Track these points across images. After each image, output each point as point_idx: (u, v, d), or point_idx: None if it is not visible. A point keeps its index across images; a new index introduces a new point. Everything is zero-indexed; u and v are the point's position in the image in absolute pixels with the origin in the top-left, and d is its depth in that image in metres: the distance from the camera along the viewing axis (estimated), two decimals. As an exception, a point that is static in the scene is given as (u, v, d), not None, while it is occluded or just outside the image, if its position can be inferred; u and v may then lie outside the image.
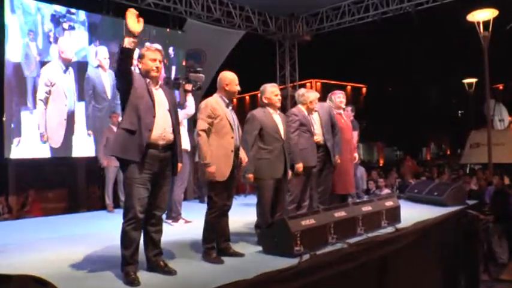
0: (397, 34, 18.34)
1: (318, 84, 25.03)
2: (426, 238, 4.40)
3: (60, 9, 7.62)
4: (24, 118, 7.07)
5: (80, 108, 7.75)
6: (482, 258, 5.87)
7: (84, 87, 7.79)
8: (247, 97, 28.79)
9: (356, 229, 3.91)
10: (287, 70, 11.87)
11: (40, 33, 7.33)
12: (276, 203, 3.83)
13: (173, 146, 3.01)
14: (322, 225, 3.54)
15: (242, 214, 4.62)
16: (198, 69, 5.07)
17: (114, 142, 2.97)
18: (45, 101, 7.26)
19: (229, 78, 3.44)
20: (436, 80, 25.26)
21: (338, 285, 3.27)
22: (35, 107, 7.16)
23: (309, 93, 4.50)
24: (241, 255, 3.36)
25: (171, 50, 9.01)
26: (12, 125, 6.98)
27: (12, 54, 7.02)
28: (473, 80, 16.35)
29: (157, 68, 2.99)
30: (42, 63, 7.32)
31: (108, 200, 6.14)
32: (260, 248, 3.50)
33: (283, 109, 4.28)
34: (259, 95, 4.00)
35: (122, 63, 2.79)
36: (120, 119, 2.92)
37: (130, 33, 2.73)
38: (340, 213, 3.81)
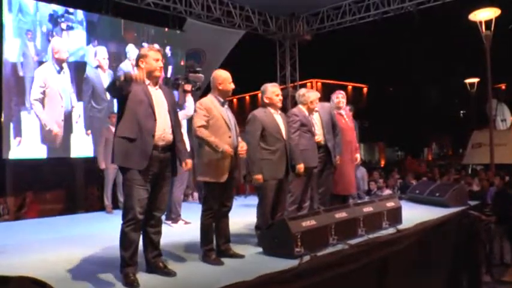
0: (398, 34, 18.34)
1: (319, 84, 25.03)
2: (427, 239, 4.39)
3: (58, 9, 7.62)
4: (22, 118, 7.07)
5: (78, 109, 7.74)
6: (484, 259, 5.87)
7: (83, 88, 7.79)
8: (247, 97, 28.79)
9: (357, 230, 3.91)
10: (287, 70, 11.87)
11: (38, 33, 7.34)
12: (277, 204, 3.83)
13: (172, 147, 3.01)
14: (322, 226, 3.54)
15: (242, 215, 4.62)
16: (198, 69, 5.07)
17: (115, 151, 2.94)
18: (41, 102, 7.25)
19: (222, 77, 3.44)
20: (437, 79, 25.26)
21: (339, 287, 3.27)
22: (32, 108, 7.16)
23: (309, 93, 4.50)
24: (241, 256, 3.36)
25: (168, 49, 9.01)
26: (11, 125, 6.98)
27: (10, 53, 7.03)
28: (475, 80, 16.35)
29: (160, 68, 3.01)
30: (40, 63, 7.33)
31: (107, 201, 6.14)
32: (260, 249, 3.50)
33: (284, 109, 4.27)
34: (259, 95, 4.00)
35: (115, 92, 2.85)
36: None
37: (132, 79, 2.81)
38: (341, 214, 3.81)
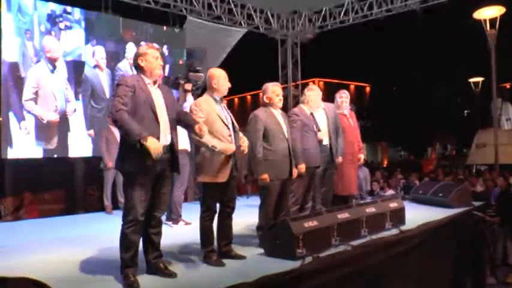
0: (401, 32, 18.33)
1: (321, 83, 25.02)
2: (431, 240, 4.39)
3: (57, 8, 7.62)
4: (20, 118, 7.07)
5: (77, 108, 7.73)
6: (489, 260, 5.86)
7: (82, 87, 7.80)
8: (248, 96, 28.80)
9: (360, 231, 3.91)
10: (289, 69, 11.86)
11: (37, 32, 7.35)
12: (279, 205, 3.83)
13: (173, 146, 3.01)
14: (325, 227, 3.54)
15: (244, 215, 4.60)
16: (198, 68, 5.08)
17: (121, 157, 2.92)
18: (35, 102, 7.23)
19: (216, 75, 3.43)
20: (441, 78, 25.23)
21: (341, 289, 3.27)
22: (25, 108, 7.15)
23: (309, 92, 4.50)
24: (242, 257, 3.36)
25: (165, 48, 9.01)
26: (9, 125, 6.99)
27: (8, 53, 7.03)
28: (479, 79, 16.34)
29: (160, 66, 3.01)
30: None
31: (107, 202, 6.15)
32: (262, 250, 3.50)
33: (285, 109, 4.27)
34: (261, 94, 4.00)
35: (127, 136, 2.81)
36: None
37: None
38: (343, 215, 3.81)
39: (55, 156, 7.47)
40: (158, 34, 8.96)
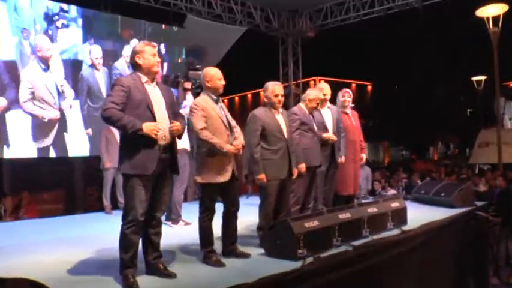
0: (403, 30, 18.30)
1: (322, 82, 24.98)
2: (433, 240, 4.39)
3: (53, 6, 7.62)
4: (18, 117, 7.08)
5: (73, 107, 7.73)
6: (492, 261, 5.86)
7: (79, 86, 7.80)
8: (249, 95, 28.79)
9: (361, 231, 3.90)
10: (290, 67, 11.86)
11: (33, 31, 7.34)
12: (279, 205, 3.83)
13: (173, 146, 3.01)
14: (326, 227, 3.54)
15: (244, 215, 4.58)
16: (198, 66, 5.07)
17: (121, 158, 2.91)
18: (32, 102, 7.24)
19: (210, 74, 3.45)
20: (443, 77, 25.20)
21: (342, 289, 3.27)
22: (24, 110, 7.16)
23: (309, 91, 4.50)
24: (247, 255, 3.39)
25: (162, 46, 9.01)
26: (6, 124, 6.99)
27: (4, 51, 7.04)
28: (482, 78, 16.31)
29: (158, 63, 3.00)
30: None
31: (106, 202, 6.14)
32: (262, 251, 3.50)
33: (286, 108, 4.26)
34: (262, 93, 3.99)
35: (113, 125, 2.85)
36: None
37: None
38: (344, 215, 3.80)
39: (52, 155, 7.47)
40: (157, 33, 8.96)
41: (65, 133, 7.60)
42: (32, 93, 7.21)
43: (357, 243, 3.62)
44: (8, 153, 7.04)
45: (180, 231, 4.67)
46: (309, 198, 4.39)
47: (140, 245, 2.94)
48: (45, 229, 5.05)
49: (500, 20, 8.96)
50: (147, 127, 2.77)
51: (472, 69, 17.28)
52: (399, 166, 14.32)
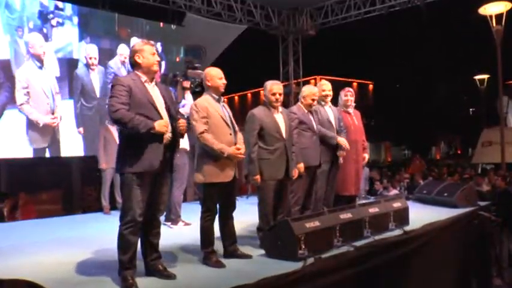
0: (404, 29, 18.31)
1: (323, 80, 24.96)
2: (436, 241, 4.39)
3: (49, 4, 7.61)
4: (13, 116, 7.07)
5: (68, 106, 7.73)
6: (495, 261, 5.85)
7: (73, 85, 7.80)
8: (249, 94, 28.79)
9: (362, 231, 3.90)
10: (290, 66, 11.86)
11: (27, 30, 7.33)
12: (278, 205, 3.83)
13: (174, 145, 3.01)
14: (327, 227, 3.54)
15: (244, 216, 4.60)
16: (196, 65, 5.06)
17: (119, 157, 2.91)
18: (28, 103, 7.23)
19: (210, 74, 3.47)
20: (445, 76, 25.21)
21: (344, 290, 3.27)
22: (21, 111, 7.15)
23: (304, 88, 4.49)
24: (249, 256, 3.39)
25: (158, 45, 9.00)
26: (1, 124, 6.98)
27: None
28: (485, 76, 16.31)
29: (158, 62, 3.01)
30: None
31: (105, 202, 6.15)
32: (262, 251, 3.50)
33: (286, 107, 4.25)
34: (262, 92, 3.98)
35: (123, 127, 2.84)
36: None
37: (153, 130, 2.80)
38: (346, 215, 3.81)
39: (47, 155, 7.46)
40: (155, 31, 8.95)
41: (59, 133, 7.59)
42: (28, 93, 7.20)
43: (358, 243, 3.61)
44: (4, 153, 7.03)
45: (179, 232, 4.67)
46: (309, 199, 4.37)
47: (139, 246, 2.94)
48: (43, 230, 5.05)
49: (504, 18, 8.96)
50: (159, 125, 2.80)
51: (475, 68, 17.29)
52: (401, 166, 14.32)
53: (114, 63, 8.27)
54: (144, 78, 2.96)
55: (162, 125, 2.81)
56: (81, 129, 7.79)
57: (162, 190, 3.03)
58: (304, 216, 3.65)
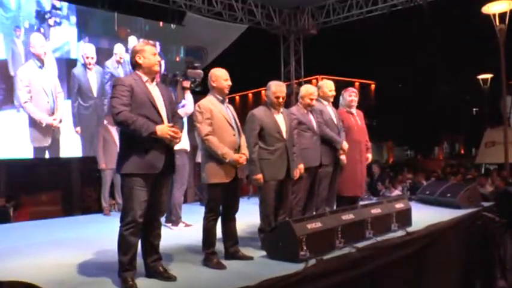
0: (407, 28, 18.29)
1: (325, 80, 24.92)
2: (439, 242, 4.38)
3: (46, 4, 7.61)
4: (10, 117, 7.07)
5: (65, 106, 7.73)
6: (499, 263, 5.84)
7: (70, 84, 7.81)
8: (250, 94, 28.80)
9: (365, 233, 3.90)
10: (292, 66, 11.85)
11: (24, 30, 7.32)
12: (279, 206, 3.84)
13: (172, 146, 3.01)
14: (329, 228, 3.54)
15: (245, 217, 4.60)
16: (196, 64, 5.04)
17: (120, 158, 2.90)
18: (31, 102, 7.25)
19: (215, 75, 3.46)
20: (448, 75, 25.18)
21: (346, 292, 3.26)
22: (21, 106, 7.16)
23: (301, 88, 4.49)
24: (250, 258, 3.40)
25: (157, 45, 8.99)
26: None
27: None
28: (488, 76, 16.28)
29: (158, 62, 3.02)
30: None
31: (105, 203, 6.16)
32: (264, 253, 3.50)
33: (287, 107, 4.25)
34: (263, 92, 3.99)
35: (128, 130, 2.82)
36: None
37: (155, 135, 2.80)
38: (348, 216, 3.80)
39: (46, 156, 7.47)
40: (154, 31, 8.94)
41: (59, 134, 7.60)
42: (30, 91, 7.23)
43: (360, 245, 3.61)
44: (2, 154, 7.04)
45: (180, 233, 4.67)
46: (311, 200, 4.37)
47: (139, 247, 2.94)
48: (43, 231, 5.06)
49: (507, 17, 8.94)
50: (160, 130, 2.80)
51: (478, 67, 17.26)
52: (404, 166, 14.30)
53: (111, 64, 8.28)
54: (145, 78, 2.97)
55: (165, 131, 2.81)
56: (78, 128, 7.80)
57: (163, 190, 3.04)
58: (306, 217, 3.64)
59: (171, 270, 3.02)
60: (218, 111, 3.38)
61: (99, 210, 6.49)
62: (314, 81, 22.61)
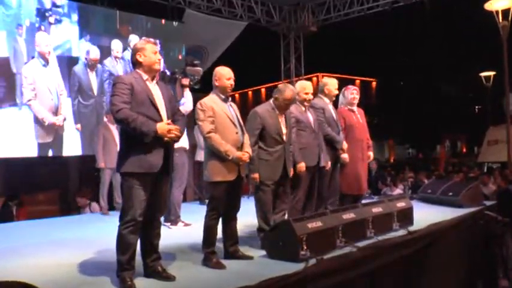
0: (408, 25, 18.27)
1: (325, 77, 24.90)
2: (441, 241, 4.38)
3: (46, 1, 7.61)
4: (12, 115, 7.08)
5: (66, 105, 7.75)
6: (501, 262, 5.85)
7: (71, 82, 7.82)
8: (249, 92, 28.76)
9: (366, 232, 3.90)
10: (292, 63, 11.85)
11: (24, 27, 7.33)
12: (277, 206, 3.85)
13: (171, 144, 3.01)
14: (329, 228, 3.54)
15: (245, 216, 4.59)
16: (196, 62, 5.03)
17: (120, 156, 2.91)
18: (35, 99, 7.28)
19: (219, 73, 3.46)
20: (451, 73, 25.15)
21: (347, 292, 3.27)
22: (23, 104, 7.17)
23: (296, 85, 4.46)
24: (250, 258, 3.40)
25: (157, 42, 8.99)
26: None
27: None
28: (491, 73, 16.27)
29: (159, 60, 3.02)
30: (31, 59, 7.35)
31: (103, 202, 6.15)
32: (264, 252, 3.50)
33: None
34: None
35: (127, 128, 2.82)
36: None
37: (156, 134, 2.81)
38: (348, 215, 3.80)
39: (50, 154, 7.49)
40: (156, 28, 8.94)
41: (62, 131, 7.63)
42: (34, 89, 7.26)
43: (361, 244, 3.61)
44: (3, 153, 7.04)
45: (179, 233, 4.67)
46: (311, 199, 4.37)
47: (138, 247, 2.94)
48: (41, 231, 5.06)
49: (510, 14, 8.93)
50: (160, 129, 2.81)
51: (481, 64, 17.25)
52: (405, 165, 14.30)
53: (109, 62, 8.29)
54: (145, 76, 2.98)
55: (165, 130, 2.82)
56: (78, 125, 7.82)
57: (163, 189, 3.05)
58: (306, 217, 3.64)
59: (170, 270, 3.03)
60: (220, 109, 3.38)
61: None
62: (314, 79, 22.59)
